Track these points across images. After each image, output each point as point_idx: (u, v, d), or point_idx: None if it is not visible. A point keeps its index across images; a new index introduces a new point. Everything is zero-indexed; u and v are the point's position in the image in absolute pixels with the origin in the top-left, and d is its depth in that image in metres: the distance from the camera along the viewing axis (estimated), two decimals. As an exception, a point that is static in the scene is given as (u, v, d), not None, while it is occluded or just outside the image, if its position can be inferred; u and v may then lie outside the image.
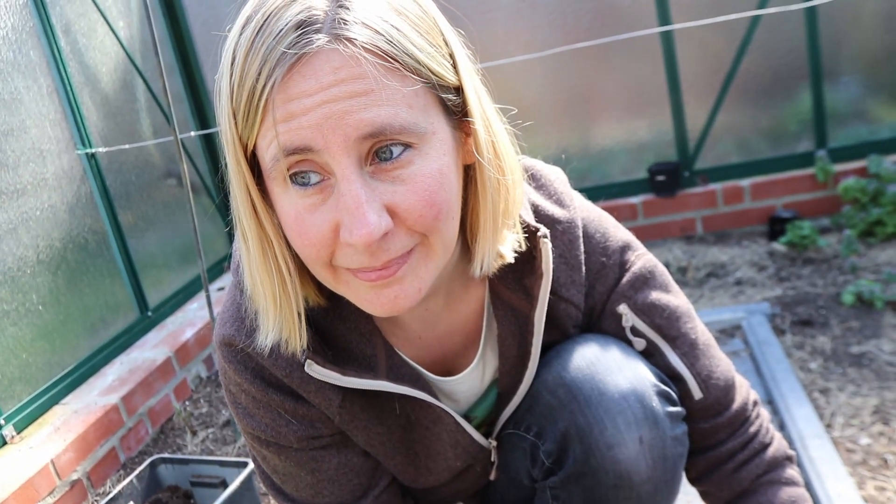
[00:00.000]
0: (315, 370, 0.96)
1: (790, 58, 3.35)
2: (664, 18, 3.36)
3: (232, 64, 0.78)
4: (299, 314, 0.91)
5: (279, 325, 0.90)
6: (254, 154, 0.81)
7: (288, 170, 0.78)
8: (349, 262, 0.81)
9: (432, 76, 0.79)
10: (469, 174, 0.89)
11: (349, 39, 0.74)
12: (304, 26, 0.74)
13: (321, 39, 0.74)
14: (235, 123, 0.78)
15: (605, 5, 3.43)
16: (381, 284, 0.83)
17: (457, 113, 0.84)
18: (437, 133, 0.81)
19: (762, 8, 3.19)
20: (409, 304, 0.85)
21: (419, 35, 0.78)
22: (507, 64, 2.81)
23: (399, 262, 0.82)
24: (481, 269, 0.95)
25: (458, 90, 0.83)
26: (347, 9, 0.75)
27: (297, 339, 0.92)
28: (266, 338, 0.92)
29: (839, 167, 3.31)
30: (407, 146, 0.78)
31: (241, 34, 0.77)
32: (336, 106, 0.74)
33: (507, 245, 0.96)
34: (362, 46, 0.74)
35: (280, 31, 0.74)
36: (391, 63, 0.75)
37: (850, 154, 3.36)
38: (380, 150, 0.77)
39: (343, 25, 0.74)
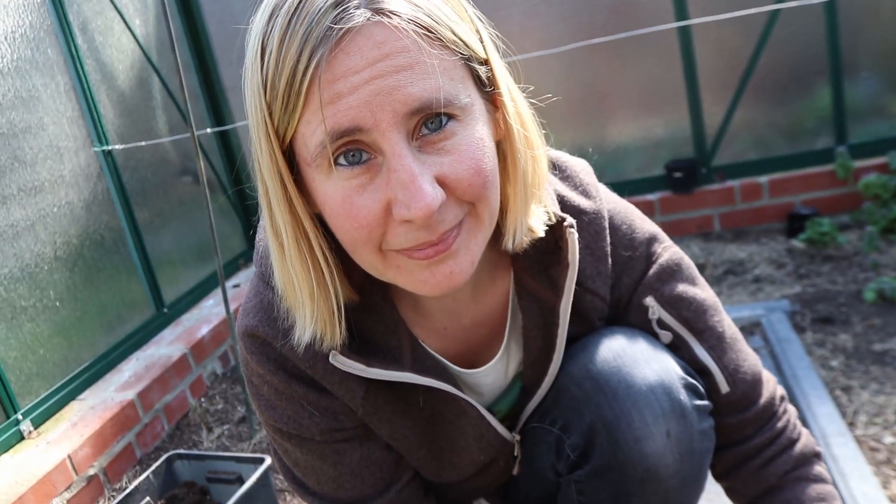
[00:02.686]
0: (339, 361, 0.95)
1: (809, 53, 3.32)
2: (681, 14, 3.34)
3: (263, 55, 0.76)
4: (338, 308, 0.89)
5: (316, 321, 0.89)
6: (289, 147, 0.80)
7: (334, 153, 0.77)
8: (403, 242, 0.80)
9: (468, 49, 0.79)
10: (498, 148, 0.88)
11: (390, 12, 0.73)
12: (343, 3, 0.73)
13: (362, 14, 0.73)
14: (270, 115, 0.77)
15: (621, 1, 3.41)
16: (436, 261, 0.82)
17: (486, 86, 0.84)
18: (475, 105, 0.81)
19: (781, 2, 3.17)
20: (464, 279, 0.84)
21: (451, 10, 0.79)
22: (521, 61, 2.79)
23: (453, 234, 0.81)
24: (513, 241, 0.94)
25: (486, 64, 0.83)
26: None
27: (335, 334, 0.91)
28: (304, 334, 0.90)
29: (859, 163, 3.28)
30: (451, 117, 0.78)
31: (270, 23, 0.76)
32: (383, 82, 0.73)
33: (536, 220, 0.95)
34: (404, 19, 0.73)
35: (318, 11, 0.73)
36: (431, 35, 0.75)
37: (870, 150, 3.32)
38: (427, 123, 0.77)
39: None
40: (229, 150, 4.02)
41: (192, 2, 3.76)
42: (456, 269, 0.83)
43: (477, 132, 0.80)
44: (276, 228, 0.84)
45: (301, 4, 0.74)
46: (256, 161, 0.82)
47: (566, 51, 2.91)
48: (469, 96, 0.80)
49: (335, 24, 0.72)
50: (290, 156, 0.81)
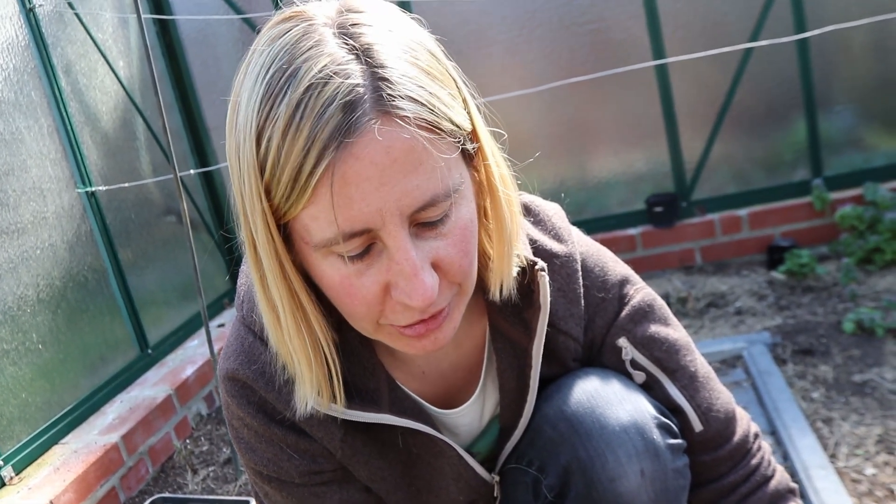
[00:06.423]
0: (319, 403, 0.96)
1: (784, 88, 3.39)
2: (658, 52, 3.40)
3: (260, 137, 0.76)
4: (337, 376, 0.92)
5: (316, 388, 0.92)
6: (285, 223, 0.80)
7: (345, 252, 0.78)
8: (400, 320, 0.84)
9: (461, 132, 0.81)
10: (478, 206, 0.91)
11: (398, 116, 0.74)
12: (352, 106, 0.73)
13: (370, 119, 0.73)
14: (268, 196, 0.77)
15: (600, 39, 3.47)
16: (424, 334, 0.86)
17: (474, 158, 0.86)
18: (465, 182, 0.83)
19: (755, 40, 3.23)
20: (445, 344, 0.88)
21: (446, 92, 0.79)
22: (503, 99, 2.84)
23: (443, 314, 0.85)
24: (500, 294, 0.98)
25: (473, 137, 0.85)
26: (387, 80, 0.74)
27: (332, 396, 0.94)
28: (305, 406, 0.93)
29: (835, 195, 3.33)
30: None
31: (267, 105, 0.75)
32: (394, 188, 0.74)
33: (514, 269, 0.98)
34: (410, 122, 0.74)
35: (326, 111, 0.72)
36: (434, 131, 0.76)
37: (845, 182, 3.38)
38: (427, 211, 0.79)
39: (390, 101, 0.74)
40: (213, 189, 4.04)
41: (175, 43, 3.80)
42: (440, 336, 0.87)
43: (467, 212, 0.83)
44: (270, 301, 0.85)
45: (307, 99, 0.73)
46: (248, 233, 0.82)
47: (547, 88, 2.96)
48: (461, 175, 0.82)
49: (345, 129, 0.72)
50: (282, 226, 0.81)
